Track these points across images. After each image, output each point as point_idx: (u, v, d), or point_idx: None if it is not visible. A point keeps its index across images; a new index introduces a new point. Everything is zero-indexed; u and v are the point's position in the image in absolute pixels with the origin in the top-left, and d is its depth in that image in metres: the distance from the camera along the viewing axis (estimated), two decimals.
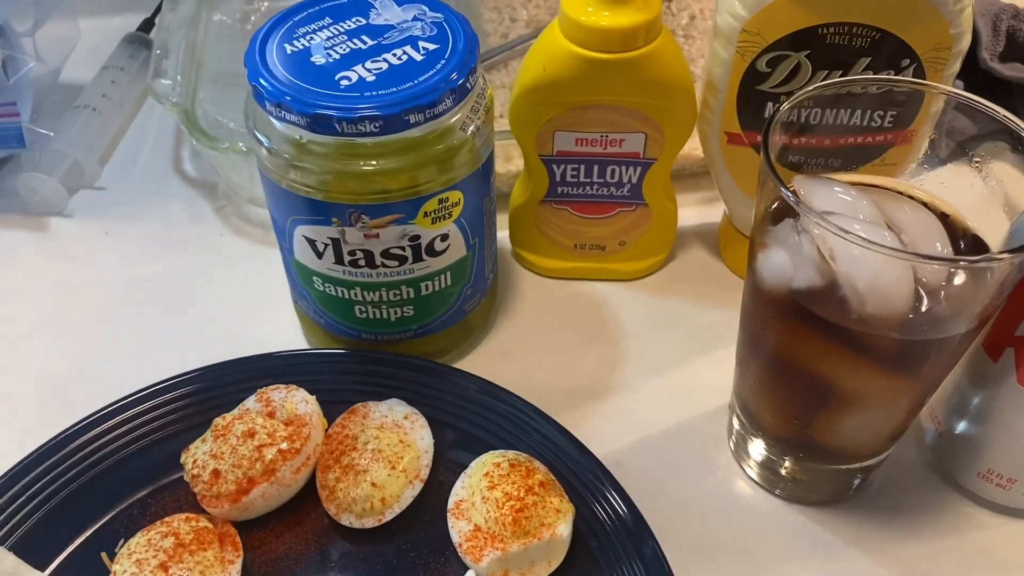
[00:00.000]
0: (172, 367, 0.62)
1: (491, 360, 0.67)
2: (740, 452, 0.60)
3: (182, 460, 0.57)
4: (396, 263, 0.57)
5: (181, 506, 0.56)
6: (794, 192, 0.46)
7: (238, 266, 0.75)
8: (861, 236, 0.41)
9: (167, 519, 0.53)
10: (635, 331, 0.70)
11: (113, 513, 0.56)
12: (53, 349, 0.68)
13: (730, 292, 0.72)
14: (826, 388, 0.49)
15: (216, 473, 0.54)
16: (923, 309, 0.44)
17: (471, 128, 0.55)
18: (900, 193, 0.52)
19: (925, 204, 0.50)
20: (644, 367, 0.67)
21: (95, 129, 0.81)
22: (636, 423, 0.63)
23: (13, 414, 0.64)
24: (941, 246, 0.47)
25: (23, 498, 0.55)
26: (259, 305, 0.71)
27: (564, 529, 0.51)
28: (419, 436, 0.57)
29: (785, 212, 0.46)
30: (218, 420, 0.57)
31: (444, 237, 0.58)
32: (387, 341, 0.63)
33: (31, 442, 0.57)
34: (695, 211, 0.79)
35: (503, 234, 0.73)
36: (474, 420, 0.59)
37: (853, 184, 0.49)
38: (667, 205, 0.69)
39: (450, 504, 0.54)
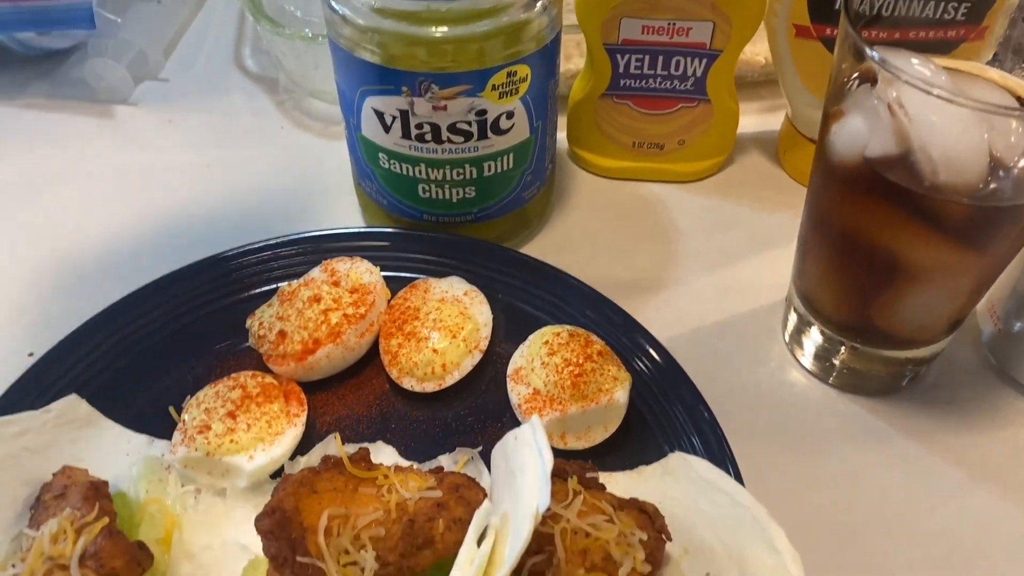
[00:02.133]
0: (231, 239, 0.63)
1: (546, 251, 0.68)
2: (795, 343, 0.60)
3: (247, 324, 0.58)
4: (461, 139, 0.58)
5: (244, 368, 0.58)
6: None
7: (298, 157, 0.76)
8: (944, 89, 0.41)
9: (234, 375, 0.55)
10: (690, 231, 0.70)
11: (180, 371, 0.57)
12: (117, 228, 0.70)
13: (789, 196, 0.72)
14: (893, 264, 0.49)
15: (282, 334, 0.56)
16: (997, 174, 0.44)
17: (539, 2, 0.55)
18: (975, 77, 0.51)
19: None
20: (699, 265, 0.67)
21: (161, 21, 0.83)
22: (690, 315, 0.64)
23: (81, 282, 0.66)
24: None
25: (98, 352, 0.57)
26: (319, 193, 0.72)
27: (621, 395, 0.52)
28: (478, 311, 0.58)
29: (863, 78, 0.46)
30: (284, 287, 0.59)
31: (509, 115, 0.58)
32: (448, 223, 0.64)
33: (100, 306, 0.59)
34: (755, 119, 0.78)
35: (561, 135, 0.73)
36: (531, 299, 0.60)
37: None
38: (729, 104, 0.69)
39: (509, 371, 0.55)
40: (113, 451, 0.53)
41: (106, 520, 0.46)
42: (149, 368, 0.57)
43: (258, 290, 0.61)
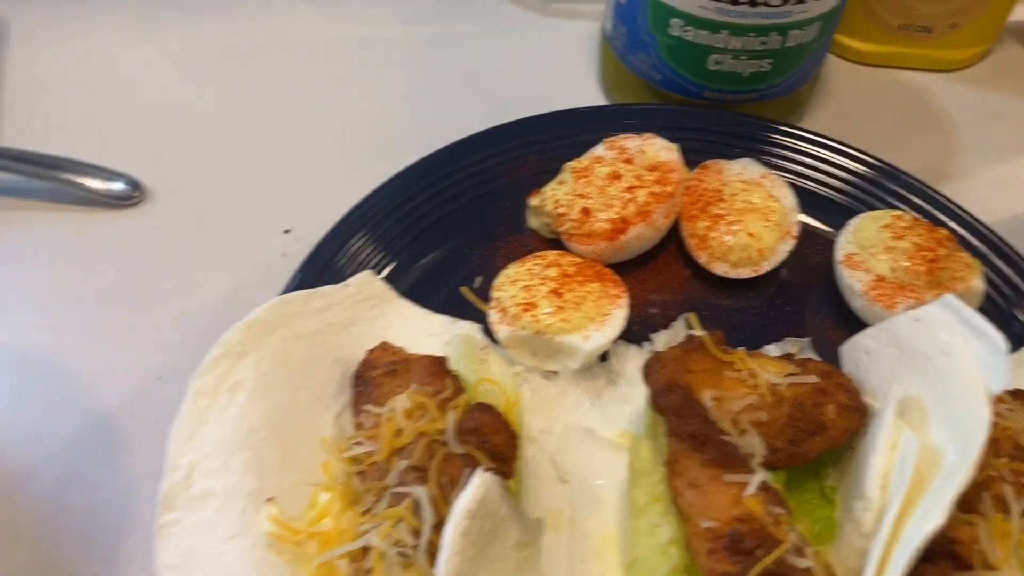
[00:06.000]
0: (469, 120, 0.58)
1: None
2: None
3: (532, 202, 0.54)
4: (780, 2, 0.52)
5: (529, 248, 0.53)
6: None
7: (522, 35, 0.71)
8: None
9: (540, 254, 0.51)
10: (962, 120, 0.65)
11: (460, 251, 0.53)
12: (350, 104, 0.65)
13: None
14: None
15: (586, 212, 0.51)
16: None
17: None
18: None
19: None
20: (979, 158, 0.63)
21: None
22: (984, 210, 0.59)
23: (327, 161, 0.61)
24: None
25: (374, 233, 0.53)
26: (550, 72, 0.67)
27: (978, 283, 0.48)
28: (782, 194, 0.54)
29: None
30: (572, 164, 0.54)
31: None
32: (728, 101, 0.59)
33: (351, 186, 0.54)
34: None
35: None
36: (832, 183, 0.56)
37: None
38: None
39: (839, 257, 0.51)
40: (415, 331, 0.49)
41: (466, 396, 0.42)
42: (426, 250, 0.53)
43: (534, 169, 0.56)
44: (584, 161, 0.54)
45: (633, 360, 0.48)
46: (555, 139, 0.57)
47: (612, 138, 0.55)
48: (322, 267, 0.50)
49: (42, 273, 0.54)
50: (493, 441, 0.39)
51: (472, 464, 0.38)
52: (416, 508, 0.37)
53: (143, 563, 0.44)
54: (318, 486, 0.42)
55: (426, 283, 0.52)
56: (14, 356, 0.51)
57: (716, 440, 0.38)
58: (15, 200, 0.58)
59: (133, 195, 0.58)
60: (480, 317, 0.50)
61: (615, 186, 0.52)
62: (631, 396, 0.47)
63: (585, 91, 0.66)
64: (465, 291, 0.52)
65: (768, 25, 0.54)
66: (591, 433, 0.45)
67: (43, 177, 0.57)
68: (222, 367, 0.43)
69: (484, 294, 0.51)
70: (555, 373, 0.47)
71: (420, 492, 0.37)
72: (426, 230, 0.54)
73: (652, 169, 0.53)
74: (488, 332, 0.49)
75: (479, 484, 0.37)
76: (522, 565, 0.39)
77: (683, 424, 0.38)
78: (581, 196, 0.52)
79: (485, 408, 0.40)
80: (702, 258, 0.52)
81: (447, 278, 0.52)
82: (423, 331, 0.50)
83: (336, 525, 0.41)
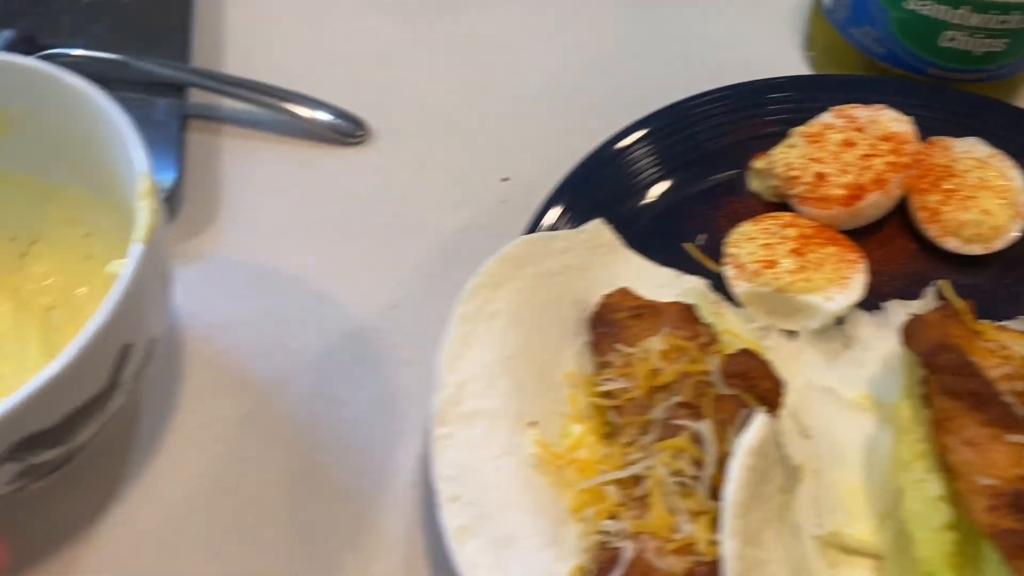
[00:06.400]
0: (676, 83, 0.58)
1: None
2: None
3: (758, 164, 0.54)
4: None
5: (751, 210, 0.54)
6: None
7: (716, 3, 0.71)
8: None
9: (774, 214, 0.51)
10: None
11: (684, 210, 0.54)
12: (555, 61, 0.66)
13: None
14: None
15: (820, 176, 0.52)
16: None
17: None
18: None
19: None
20: None
21: None
22: None
23: (544, 113, 0.62)
24: None
25: (598, 188, 0.54)
26: (749, 40, 0.67)
27: None
28: (1013, 175, 0.53)
29: None
30: (802, 129, 0.54)
31: None
32: (953, 79, 0.58)
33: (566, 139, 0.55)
34: None
35: None
36: None
37: None
38: None
39: None
40: (643, 281, 0.50)
41: (718, 336, 0.43)
42: (646, 206, 0.54)
43: (751, 134, 0.57)
44: (814, 127, 0.54)
45: (866, 326, 0.48)
46: (778, 104, 0.57)
47: (840, 107, 0.55)
48: (557, 210, 0.52)
49: (277, 201, 0.57)
50: (762, 386, 0.40)
51: (743, 405, 0.39)
52: (696, 440, 0.38)
53: (385, 474, 0.46)
54: (569, 417, 0.44)
55: (647, 238, 0.53)
56: (256, 275, 0.53)
57: (997, 400, 0.38)
58: (248, 130, 0.60)
59: (357, 133, 0.60)
60: (705, 274, 0.51)
61: (850, 153, 0.52)
62: (866, 361, 0.47)
63: (786, 61, 0.66)
64: (690, 247, 0.52)
65: (1013, 3, 0.53)
66: (832, 392, 0.46)
67: (273, 108, 0.59)
68: (482, 296, 0.45)
69: (707, 251, 0.52)
70: (792, 333, 0.48)
71: (703, 426, 0.38)
72: (647, 187, 0.55)
73: (885, 139, 0.53)
74: (715, 289, 0.50)
75: (762, 423, 0.38)
76: (781, 509, 0.40)
77: (961, 383, 0.38)
78: (815, 160, 0.52)
79: (751, 354, 0.41)
80: (932, 231, 0.52)
81: (668, 235, 0.53)
82: (651, 282, 0.50)
83: (592, 455, 0.42)
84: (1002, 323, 0.48)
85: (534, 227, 0.51)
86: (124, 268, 0.37)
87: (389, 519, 0.44)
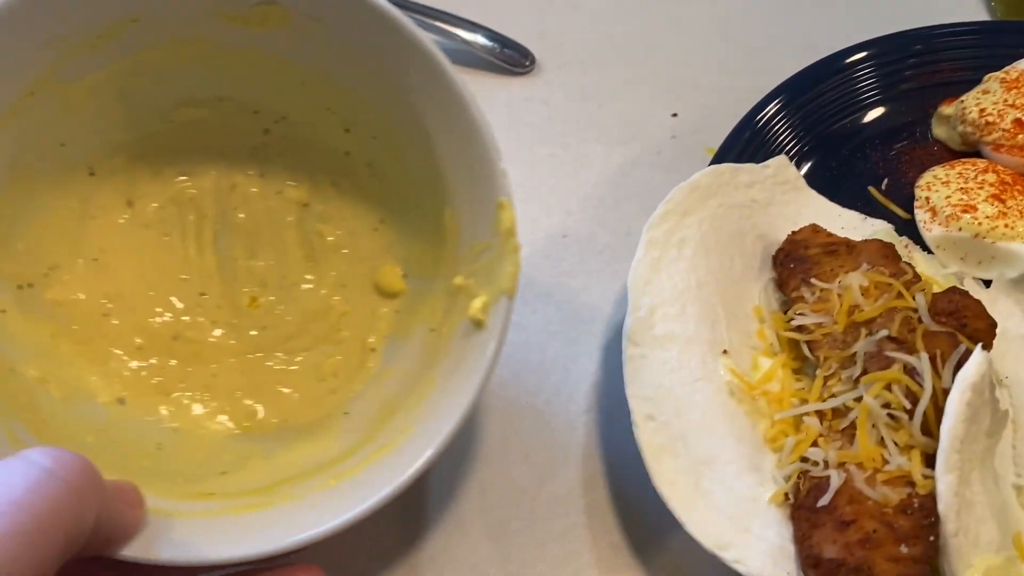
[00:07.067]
0: (849, 30, 0.57)
1: None
2: None
3: (947, 111, 0.52)
4: None
5: (936, 157, 0.52)
6: None
7: None
8: None
9: (969, 160, 0.49)
10: None
11: (867, 154, 0.53)
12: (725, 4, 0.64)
13: None
14: None
15: (1019, 123, 0.49)
16: None
17: None
18: None
19: None
20: None
21: None
22: None
23: (706, 51, 0.61)
24: None
25: (772, 131, 0.53)
26: None
27: None
28: None
29: None
30: (998, 74, 0.52)
31: None
32: None
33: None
34: None
35: None
36: None
37: None
38: None
39: None
40: (828, 222, 0.49)
41: (920, 276, 0.42)
42: (830, 148, 0.53)
43: (937, 80, 0.54)
44: (1012, 72, 0.52)
45: None
46: (964, 50, 0.55)
47: None
48: (742, 146, 0.51)
49: None
50: (974, 325, 0.39)
51: (956, 343, 0.38)
52: (910, 373, 0.37)
53: (559, 396, 0.46)
54: (757, 351, 0.43)
55: (830, 180, 0.51)
56: None
57: None
58: None
59: (525, 63, 0.60)
60: (888, 217, 0.50)
61: None
62: None
63: (967, 11, 0.63)
64: (874, 191, 0.51)
65: None
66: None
67: (444, 34, 0.59)
68: (670, 222, 0.44)
69: (888, 196, 0.51)
70: (986, 282, 0.46)
71: (920, 360, 0.37)
72: (831, 128, 0.53)
73: None
74: (900, 233, 0.49)
75: (983, 359, 0.36)
76: (985, 453, 0.39)
77: None
78: (1012, 107, 0.50)
79: (963, 293, 0.40)
80: None
81: (850, 178, 0.52)
82: (834, 223, 0.49)
83: (783, 388, 0.41)
84: None
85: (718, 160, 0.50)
86: (492, 319, 0.35)
87: (567, 438, 0.45)
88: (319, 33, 0.37)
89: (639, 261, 0.43)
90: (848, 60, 0.55)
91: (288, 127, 0.43)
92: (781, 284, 0.45)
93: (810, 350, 0.41)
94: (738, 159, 0.50)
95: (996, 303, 0.46)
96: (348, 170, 0.43)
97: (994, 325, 0.39)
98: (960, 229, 0.46)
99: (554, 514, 0.43)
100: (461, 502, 0.43)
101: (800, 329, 0.42)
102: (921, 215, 0.48)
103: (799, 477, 0.37)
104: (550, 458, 0.44)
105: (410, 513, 0.43)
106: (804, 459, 0.37)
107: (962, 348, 0.37)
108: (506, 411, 0.46)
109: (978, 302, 0.39)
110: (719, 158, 0.50)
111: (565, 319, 0.49)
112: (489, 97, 0.58)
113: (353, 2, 0.35)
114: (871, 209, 0.50)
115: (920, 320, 0.39)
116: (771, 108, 0.52)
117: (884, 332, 0.39)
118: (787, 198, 0.49)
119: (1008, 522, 0.38)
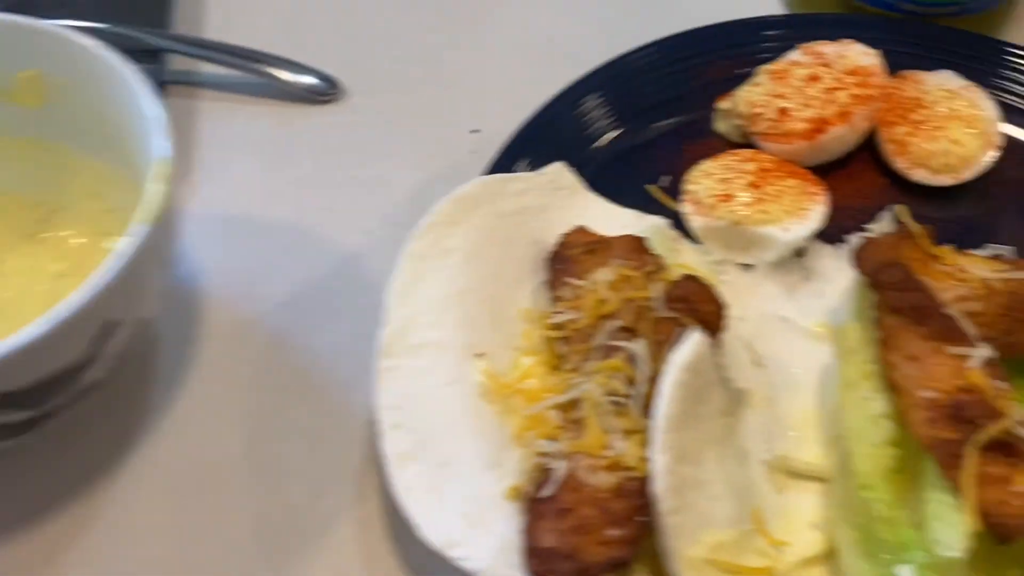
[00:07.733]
0: (646, 28, 0.58)
1: None
2: None
3: (723, 105, 0.54)
4: None
5: (716, 151, 0.53)
6: None
7: None
8: None
9: (735, 151, 0.51)
10: None
11: (649, 153, 0.54)
12: (523, 10, 0.66)
13: None
14: None
15: (783, 112, 0.51)
16: None
17: None
18: None
19: None
20: None
21: None
22: None
23: (506, 65, 0.62)
24: None
25: (560, 133, 0.54)
26: None
27: None
28: (984, 106, 0.52)
29: None
30: (766, 67, 0.54)
31: None
32: (925, 15, 0.57)
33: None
34: None
35: None
36: None
37: None
38: None
39: None
40: (605, 222, 0.50)
41: (666, 266, 0.43)
42: (610, 150, 0.54)
43: (717, 76, 0.56)
44: (780, 64, 0.54)
45: (828, 259, 0.48)
46: (745, 45, 0.57)
47: (808, 44, 0.55)
48: (517, 156, 0.52)
49: (250, 159, 0.58)
50: (703, 309, 0.40)
51: (681, 326, 0.39)
52: (630, 360, 0.38)
53: (342, 413, 0.47)
54: (521, 351, 0.44)
55: (611, 181, 0.53)
56: (228, 224, 0.54)
57: (938, 313, 0.37)
58: (219, 92, 0.61)
59: (329, 92, 0.61)
60: (667, 215, 0.51)
61: (814, 87, 0.51)
62: (826, 292, 0.47)
63: (761, 2, 0.65)
64: (653, 189, 0.52)
65: None
66: (787, 321, 0.45)
67: (246, 70, 0.60)
68: (434, 234, 0.46)
69: (671, 193, 0.52)
70: (750, 266, 0.48)
71: (636, 345, 0.38)
72: (610, 131, 0.55)
73: (851, 73, 0.52)
74: (678, 228, 0.50)
75: (695, 341, 0.38)
76: (724, 432, 0.40)
77: (903, 298, 0.38)
78: (778, 96, 0.52)
79: (694, 279, 0.41)
80: (901, 163, 0.51)
81: (631, 178, 0.53)
82: (613, 223, 0.50)
83: (540, 385, 0.42)
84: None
85: (493, 171, 0.51)
86: (122, 245, 0.37)
87: (343, 453, 0.45)
88: None
89: (397, 274, 0.44)
90: (633, 61, 0.56)
91: None
92: (548, 285, 0.46)
93: (563, 346, 0.42)
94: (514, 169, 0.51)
95: (759, 287, 0.47)
96: None
97: (722, 308, 0.41)
98: (719, 218, 0.47)
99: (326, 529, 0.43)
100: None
101: (557, 327, 0.43)
102: (687, 207, 0.49)
103: (535, 470, 0.38)
104: (324, 474, 0.45)
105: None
106: (540, 451, 0.38)
107: (680, 331, 0.38)
108: (285, 433, 0.46)
109: (706, 287, 0.41)
110: (495, 169, 0.51)
111: (356, 337, 0.49)
112: (295, 127, 0.59)
113: None
114: (655, 208, 0.52)
115: (655, 308, 0.40)
116: (552, 115, 0.54)
117: (619, 322, 0.40)
118: (565, 203, 0.51)
119: (751, 499, 0.39)
